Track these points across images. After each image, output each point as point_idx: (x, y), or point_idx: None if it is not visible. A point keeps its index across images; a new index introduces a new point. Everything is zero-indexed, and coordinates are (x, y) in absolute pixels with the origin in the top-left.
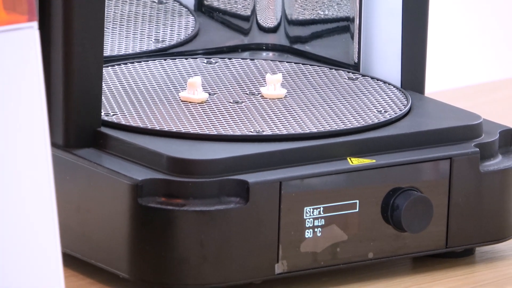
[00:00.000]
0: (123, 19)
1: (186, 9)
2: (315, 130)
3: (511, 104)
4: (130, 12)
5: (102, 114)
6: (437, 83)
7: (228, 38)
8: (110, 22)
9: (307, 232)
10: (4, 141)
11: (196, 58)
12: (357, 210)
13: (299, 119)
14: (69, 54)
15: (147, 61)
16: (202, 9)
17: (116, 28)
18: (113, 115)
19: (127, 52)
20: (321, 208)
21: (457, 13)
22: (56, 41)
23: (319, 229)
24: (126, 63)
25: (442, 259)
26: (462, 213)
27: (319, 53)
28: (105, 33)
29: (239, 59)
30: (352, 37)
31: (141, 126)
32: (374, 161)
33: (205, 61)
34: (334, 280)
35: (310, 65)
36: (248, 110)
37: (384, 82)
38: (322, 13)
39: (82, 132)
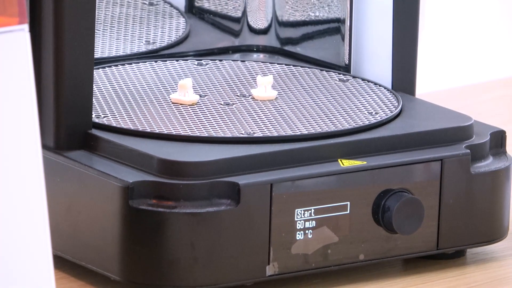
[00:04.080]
0: (113, 21)
1: (177, 11)
2: (306, 132)
3: (502, 105)
4: (121, 14)
5: (93, 116)
6: (428, 84)
7: (219, 40)
8: (100, 24)
9: (298, 233)
10: None
11: (187, 60)
12: (348, 212)
13: (290, 121)
14: (60, 56)
15: (138, 63)
16: (192, 10)
17: (106, 30)
18: (104, 117)
19: (118, 54)
20: (312, 210)
21: (448, 14)
22: (47, 43)
23: (310, 231)
24: (117, 65)
25: (433, 261)
26: (453, 214)
27: (310, 55)
28: (95, 35)
29: (230, 61)
30: (343, 39)
31: (132, 128)
32: (365, 162)
33: (196, 63)
34: (325, 282)
35: (301, 66)
36: (239, 112)
37: (375, 84)
38: (313, 14)
39: (73, 134)
